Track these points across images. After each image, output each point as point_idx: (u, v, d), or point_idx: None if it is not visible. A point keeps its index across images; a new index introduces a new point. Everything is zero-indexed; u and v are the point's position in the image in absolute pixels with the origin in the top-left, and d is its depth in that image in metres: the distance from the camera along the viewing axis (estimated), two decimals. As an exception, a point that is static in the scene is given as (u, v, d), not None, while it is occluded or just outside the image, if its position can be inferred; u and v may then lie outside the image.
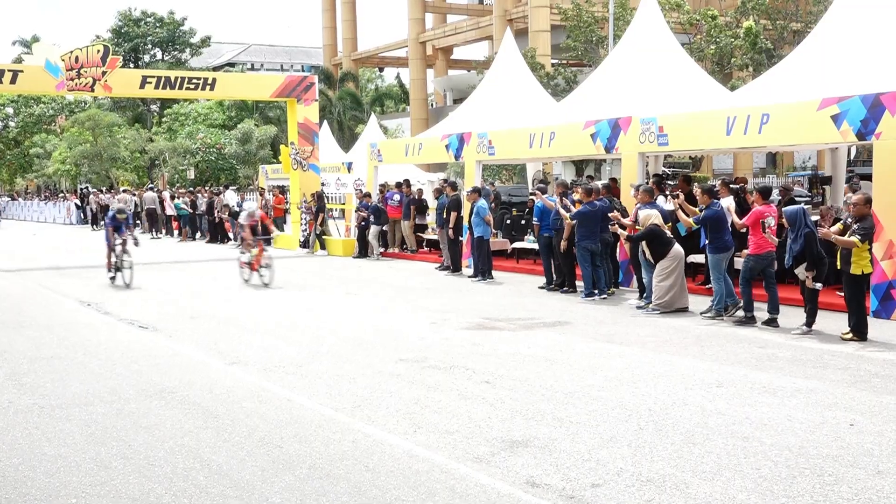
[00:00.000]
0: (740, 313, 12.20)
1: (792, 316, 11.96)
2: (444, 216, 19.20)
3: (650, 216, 13.18)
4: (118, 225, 17.26)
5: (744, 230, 12.30)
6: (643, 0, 19.64)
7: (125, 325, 12.57)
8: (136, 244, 17.86)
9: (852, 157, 24.71)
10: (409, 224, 23.13)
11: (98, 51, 24.26)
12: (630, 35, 19.52)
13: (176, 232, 33.72)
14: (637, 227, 13.53)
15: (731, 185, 15.33)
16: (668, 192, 15.88)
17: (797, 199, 17.51)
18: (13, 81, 23.71)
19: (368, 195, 23.48)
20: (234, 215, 27.08)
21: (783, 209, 11.64)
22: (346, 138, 47.05)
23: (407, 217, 23.09)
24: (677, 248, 13.29)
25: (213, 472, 6.02)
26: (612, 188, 16.83)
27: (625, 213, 14.81)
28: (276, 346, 10.81)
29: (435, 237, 22.48)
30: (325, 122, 38.73)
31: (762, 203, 11.96)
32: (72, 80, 23.70)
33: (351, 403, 7.83)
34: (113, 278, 17.52)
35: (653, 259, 13.27)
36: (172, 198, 34.23)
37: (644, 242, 13.35)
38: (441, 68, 61.89)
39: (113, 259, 17.44)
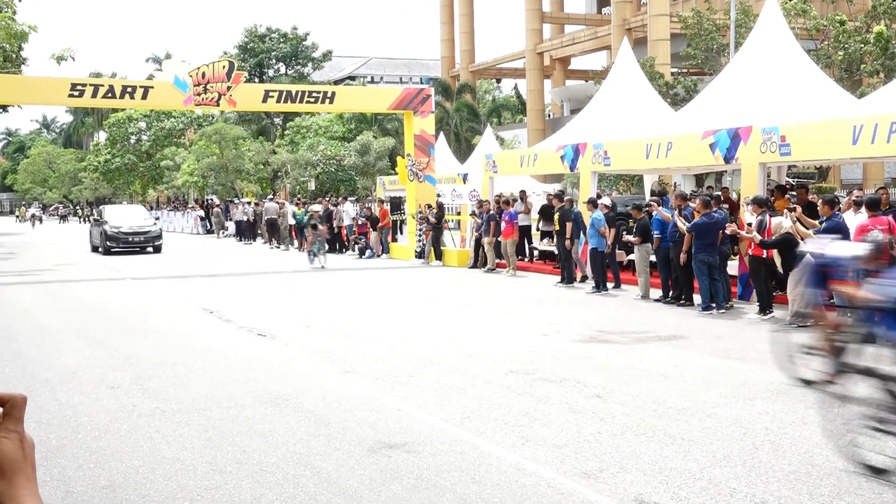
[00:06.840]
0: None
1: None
2: (557, 228, 19.07)
3: (782, 224, 12.88)
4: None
5: None
6: (765, 6, 19.11)
7: (244, 333, 12.92)
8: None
9: None
10: (489, 240, 22.57)
11: (223, 66, 25.09)
12: (751, 42, 19.00)
13: (295, 242, 34.40)
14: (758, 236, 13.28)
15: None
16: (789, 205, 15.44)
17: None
18: (144, 97, 24.77)
19: (488, 202, 23.29)
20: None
21: None
22: (463, 149, 47.26)
23: (487, 233, 22.65)
24: (808, 257, 12.93)
25: (322, 479, 6.12)
26: (725, 199, 16.41)
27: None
28: (388, 355, 10.92)
29: (549, 248, 22.37)
30: (442, 134, 39.00)
31: (871, 215, 11.45)
32: (198, 94, 24.58)
33: (460, 414, 7.84)
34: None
35: (782, 268, 12.97)
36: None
37: (776, 250, 13.08)
38: (558, 79, 61.52)
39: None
